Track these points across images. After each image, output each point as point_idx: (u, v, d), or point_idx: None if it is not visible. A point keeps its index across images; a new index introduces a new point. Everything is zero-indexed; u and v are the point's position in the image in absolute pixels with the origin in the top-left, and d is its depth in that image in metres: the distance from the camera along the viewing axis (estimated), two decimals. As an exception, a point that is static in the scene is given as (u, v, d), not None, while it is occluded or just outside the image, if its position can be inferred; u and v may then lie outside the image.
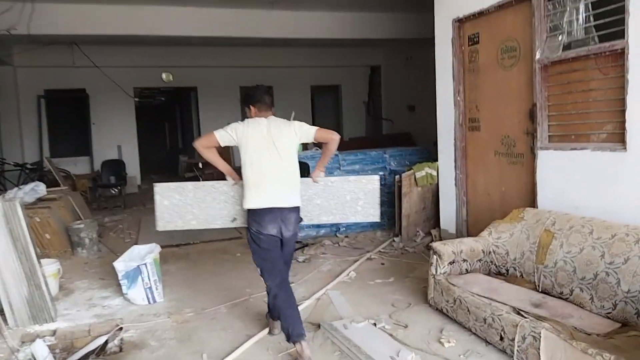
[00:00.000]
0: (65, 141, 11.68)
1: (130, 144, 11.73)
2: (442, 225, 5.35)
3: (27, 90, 10.68)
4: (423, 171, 5.33)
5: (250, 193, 3.22)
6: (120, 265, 4.25)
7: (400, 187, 5.43)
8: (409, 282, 4.48)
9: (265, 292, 3.43)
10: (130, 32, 8.27)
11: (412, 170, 5.37)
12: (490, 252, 3.88)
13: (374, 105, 13.50)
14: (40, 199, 6.35)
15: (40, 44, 9.24)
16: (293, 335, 3.03)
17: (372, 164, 6.46)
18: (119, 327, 3.81)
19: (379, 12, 9.25)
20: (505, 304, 3.16)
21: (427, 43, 11.10)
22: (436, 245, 3.77)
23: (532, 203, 4.21)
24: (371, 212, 3.77)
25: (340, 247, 5.84)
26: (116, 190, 9.87)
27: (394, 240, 5.77)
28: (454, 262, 3.76)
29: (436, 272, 3.75)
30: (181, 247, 6.13)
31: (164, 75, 11.81)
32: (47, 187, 7.23)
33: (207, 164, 11.88)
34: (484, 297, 3.30)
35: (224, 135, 3.27)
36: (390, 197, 6.49)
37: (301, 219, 3.47)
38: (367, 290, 4.38)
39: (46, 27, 7.44)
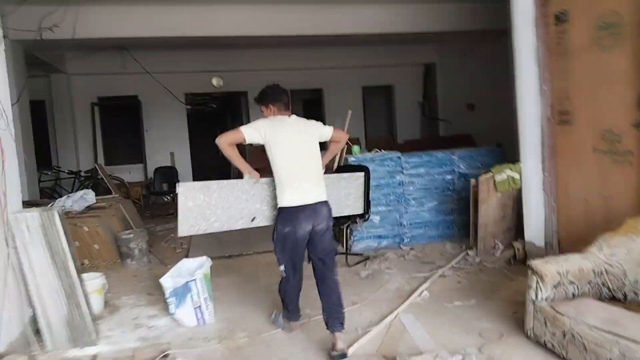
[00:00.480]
0: (119, 149, 11.60)
1: (183, 150, 11.50)
2: (527, 237, 4.61)
3: (81, 97, 10.63)
4: (504, 174, 4.61)
5: (285, 191, 3.22)
6: (168, 281, 3.80)
7: (476, 193, 4.73)
8: (495, 306, 3.79)
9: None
10: (179, 34, 7.93)
11: (490, 173, 4.66)
12: (602, 273, 3.15)
13: (429, 105, 12.73)
14: (90, 207, 6.06)
15: (90, 50, 9.12)
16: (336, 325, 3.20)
17: (438, 167, 5.79)
18: (164, 353, 3.34)
19: (433, 3, 8.53)
20: (638, 342, 2.46)
21: (485, 36, 10.41)
22: (536, 264, 3.08)
23: (648, 211, 3.45)
24: (358, 206, 4.19)
25: (406, 260, 5.19)
26: (169, 197, 9.61)
27: (467, 254, 5.07)
28: (558, 285, 3.05)
29: (536, 297, 3.06)
30: (233, 259, 5.67)
31: (214, 80, 11.53)
32: (100, 195, 7.00)
33: (261, 169, 11.51)
34: (607, 331, 2.60)
35: (251, 133, 3.27)
36: (461, 204, 5.80)
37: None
38: (446, 314, 3.72)
39: (91, 30, 7.21)
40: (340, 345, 3.11)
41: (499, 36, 9.91)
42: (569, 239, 4.25)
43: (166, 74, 10.86)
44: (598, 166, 3.89)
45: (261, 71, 11.61)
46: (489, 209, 4.75)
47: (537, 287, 3.07)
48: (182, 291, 3.74)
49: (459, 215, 5.82)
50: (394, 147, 10.98)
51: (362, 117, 12.58)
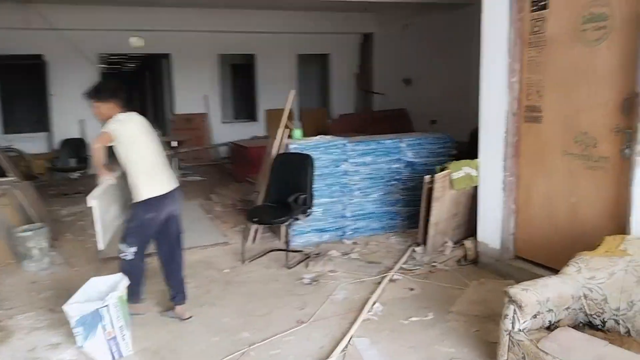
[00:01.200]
0: (20, 115, 10.10)
1: (94, 118, 10.19)
2: (480, 237, 4.28)
3: (-30, 54, 9.03)
4: (461, 171, 4.20)
5: (149, 183, 3.39)
6: (73, 309, 3.03)
7: (430, 190, 4.30)
8: (455, 323, 3.41)
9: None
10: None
11: (446, 170, 4.23)
12: (580, 297, 2.82)
13: (365, 77, 12.24)
14: (-24, 196, 5.00)
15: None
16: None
17: (385, 155, 5.31)
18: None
19: None
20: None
21: (428, 9, 10.00)
22: (515, 292, 2.68)
23: (621, 224, 3.16)
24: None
25: (351, 260, 4.71)
26: (76, 175, 8.46)
27: (414, 251, 4.68)
28: (537, 315, 2.69)
29: (513, 327, 2.68)
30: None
31: (133, 40, 10.24)
32: (-6, 174, 5.87)
33: (182, 142, 10.57)
34: (600, 378, 2.25)
35: (120, 131, 3.33)
36: (406, 194, 5.40)
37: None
38: (403, 335, 3.28)
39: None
40: (187, 314, 3.59)
41: (443, 10, 9.59)
42: (527, 244, 3.96)
43: (77, 31, 9.48)
44: (567, 170, 3.55)
45: (186, 32, 10.51)
46: (442, 207, 4.35)
47: (514, 317, 2.68)
48: (92, 320, 3.00)
49: (404, 206, 5.43)
50: (329, 127, 10.54)
51: (296, 87, 11.84)
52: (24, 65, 9.89)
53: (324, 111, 12.17)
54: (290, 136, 5.29)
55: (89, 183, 8.62)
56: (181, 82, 10.92)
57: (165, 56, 11.10)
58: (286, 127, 5.34)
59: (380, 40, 11.74)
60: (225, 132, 11.28)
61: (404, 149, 5.35)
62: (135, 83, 17.41)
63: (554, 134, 3.62)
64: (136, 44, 10.21)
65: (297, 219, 4.58)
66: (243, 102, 13.21)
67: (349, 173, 5.19)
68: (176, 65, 10.87)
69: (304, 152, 4.95)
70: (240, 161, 8.62)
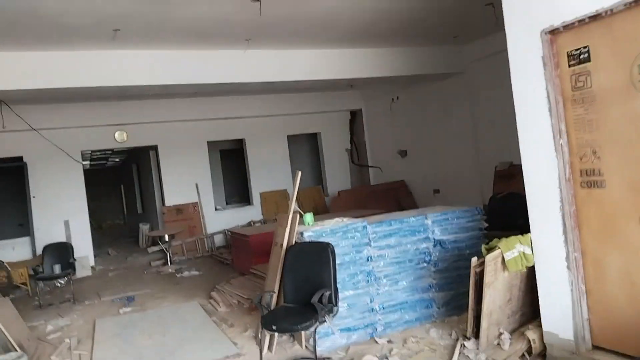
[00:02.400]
0: (0, 220, 9.37)
1: (80, 217, 9.48)
2: (546, 326, 3.57)
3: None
4: (514, 250, 3.58)
5: None
6: None
7: (480, 274, 3.65)
8: None
9: None
10: (72, 85, 6.30)
11: (497, 250, 3.61)
12: None
13: (358, 152, 11.90)
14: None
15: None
16: None
17: (410, 234, 4.68)
18: None
19: (359, 48, 7.70)
20: None
21: (416, 81, 9.86)
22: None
23: None
24: None
25: (393, 365, 3.93)
26: (62, 282, 7.60)
27: (464, 346, 3.94)
28: None
29: None
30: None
31: (116, 135, 9.81)
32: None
33: (174, 235, 9.84)
34: None
35: None
36: (439, 277, 4.72)
37: None
38: None
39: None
40: None
41: (430, 81, 9.46)
42: (606, 330, 3.27)
43: (58, 130, 9.01)
44: (649, 240, 2.97)
45: (174, 122, 10.14)
46: (496, 293, 3.68)
47: None
48: None
49: (439, 291, 4.73)
50: (329, 205, 9.98)
51: (289, 168, 11.40)
52: (4, 169, 9.30)
53: (319, 189, 11.67)
54: (301, 222, 4.68)
55: (78, 290, 7.89)
56: (170, 172, 10.40)
57: (153, 148, 10.64)
58: (294, 211, 4.74)
59: (369, 115, 11.54)
60: (219, 219, 10.64)
61: (431, 226, 4.74)
62: (124, 176, 16.88)
63: (623, 199, 3.06)
64: (119, 137, 9.75)
65: (323, 322, 3.84)
66: (236, 187, 12.70)
67: (373, 259, 4.52)
68: (164, 155, 10.39)
69: (321, 239, 4.31)
70: (240, 251, 7.90)
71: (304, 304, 3.98)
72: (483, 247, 3.76)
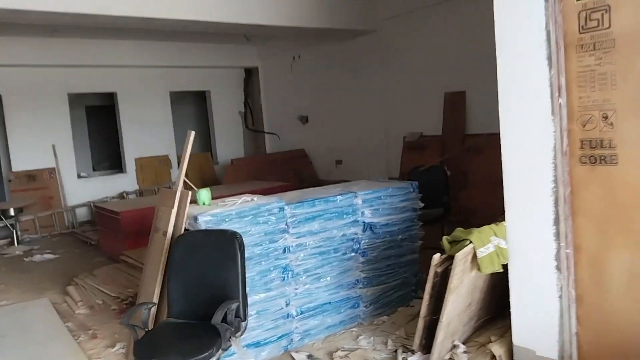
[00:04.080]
0: None
1: None
2: (518, 339, 2.76)
3: None
4: (489, 244, 2.70)
5: None
6: None
7: (443, 275, 2.71)
8: None
9: None
10: None
11: (469, 245, 2.69)
12: None
13: (253, 116, 10.57)
14: None
15: None
16: None
17: (338, 218, 3.63)
18: None
19: None
20: None
21: (321, 39, 8.73)
22: None
23: None
24: None
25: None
26: None
27: (408, 362, 3.04)
28: None
29: None
30: None
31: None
32: None
33: (25, 207, 7.80)
34: None
35: None
36: (370, 270, 3.78)
37: None
38: None
39: None
40: None
41: (337, 39, 8.40)
42: (600, 349, 2.54)
43: None
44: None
45: (23, 67, 7.94)
46: (459, 299, 2.78)
47: None
48: None
49: (367, 286, 3.78)
50: (222, 175, 8.58)
51: (172, 131, 9.73)
52: None
53: (207, 156, 10.19)
54: (194, 200, 3.40)
55: None
56: (19, 129, 8.18)
57: (-3, 98, 8.29)
58: (186, 186, 3.44)
59: (267, 75, 10.22)
60: (84, 189, 8.73)
61: (360, 207, 3.74)
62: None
63: (643, 180, 2.29)
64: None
65: (227, 348, 2.66)
66: (105, 151, 10.69)
67: (291, 249, 3.41)
68: (10, 108, 8.13)
69: (222, 226, 3.09)
70: (109, 231, 6.28)
71: (197, 317, 2.77)
72: (444, 240, 2.83)
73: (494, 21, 2.63)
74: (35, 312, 4.62)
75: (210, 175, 9.66)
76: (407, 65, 7.04)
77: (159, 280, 3.13)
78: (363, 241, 3.74)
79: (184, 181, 3.43)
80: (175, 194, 3.28)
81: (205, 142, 10.69)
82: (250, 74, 10.44)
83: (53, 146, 8.45)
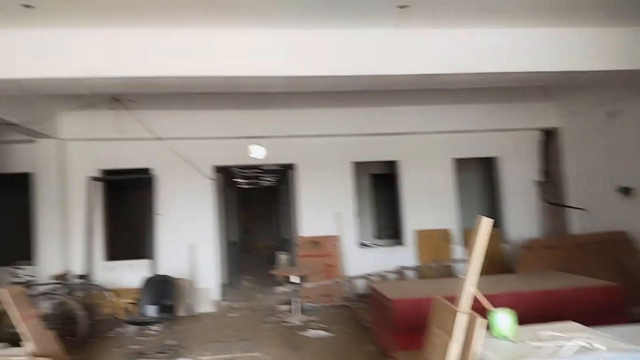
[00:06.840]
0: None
1: (207, 242, 8.11)
2: None
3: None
4: None
5: None
6: None
7: None
8: None
9: None
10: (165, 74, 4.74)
11: None
12: None
13: (553, 187, 8.66)
14: None
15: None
16: None
17: None
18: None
19: (571, 25, 4.87)
20: None
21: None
22: None
23: None
24: None
25: None
26: (155, 330, 6.02)
27: None
28: None
29: None
30: None
31: (251, 149, 8.29)
32: None
33: (304, 277, 7.86)
34: None
35: None
36: None
37: None
38: None
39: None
40: None
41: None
42: None
43: (183, 141, 7.83)
44: None
45: (314, 137, 8.32)
46: None
47: None
48: None
49: None
50: (515, 261, 6.87)
51: (454, 202, 8.71)
52: (133, 181, 8.46)
53: (495, 234, 8.70)
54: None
55: (185, 334, 5.57)
56: (308, 197, 8.49)
57: (291, 167, 8.93)
58: (475, 306, 2.25)
59: (572, 137, 8.28)
60: (363, 259, 8.39)
61: None
62: (278, 197, 15.77)
63: None
64: (255, 152, 8.21)
65: None
66: (387, 220, 10.45)
67: None
68: (301, 177, 8.55)
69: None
70: (380, 316, 5.48)
71: None
72: None
73: None
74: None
75: (498, 259, 8.14)
76: None
77: None
78: None
79: (474, 296, 2.24)
80: (456, 316, 2.13)
81: (494, 216, 9.24)
82: (549, 137, 8.68)
83: (337, 214, 8.47)
